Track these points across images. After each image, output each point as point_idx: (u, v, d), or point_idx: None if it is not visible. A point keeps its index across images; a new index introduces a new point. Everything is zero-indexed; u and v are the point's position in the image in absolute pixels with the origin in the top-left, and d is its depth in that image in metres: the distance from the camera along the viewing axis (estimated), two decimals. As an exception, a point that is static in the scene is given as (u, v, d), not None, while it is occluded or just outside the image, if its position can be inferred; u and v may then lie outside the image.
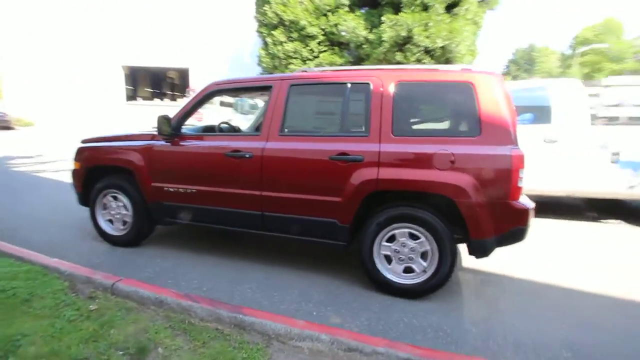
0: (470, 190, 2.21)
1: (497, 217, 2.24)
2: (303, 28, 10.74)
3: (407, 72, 2.48)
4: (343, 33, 10.25)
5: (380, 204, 2.44)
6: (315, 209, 2.53)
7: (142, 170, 2.90)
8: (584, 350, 1.98)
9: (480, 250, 2.30)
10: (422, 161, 2.30)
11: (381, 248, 2.46)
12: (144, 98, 21.49)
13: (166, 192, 2.87)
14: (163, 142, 2.89)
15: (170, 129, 2.78)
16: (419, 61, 9.38)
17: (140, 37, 18.55)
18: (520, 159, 2.19)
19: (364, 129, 2.44)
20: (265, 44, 11.93)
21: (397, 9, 9.67)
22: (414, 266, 2.43)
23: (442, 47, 9.22)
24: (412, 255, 2.41)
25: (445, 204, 2.32)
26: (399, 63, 9.55)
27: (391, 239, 2.45)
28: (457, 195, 2.23)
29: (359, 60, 10.81)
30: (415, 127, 2.45)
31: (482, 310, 2.36)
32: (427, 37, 8.97)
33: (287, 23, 10.89)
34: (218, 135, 2.88)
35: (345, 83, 2.54)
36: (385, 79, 2.46)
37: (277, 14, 10.85)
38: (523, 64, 48.36)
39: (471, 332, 2.13)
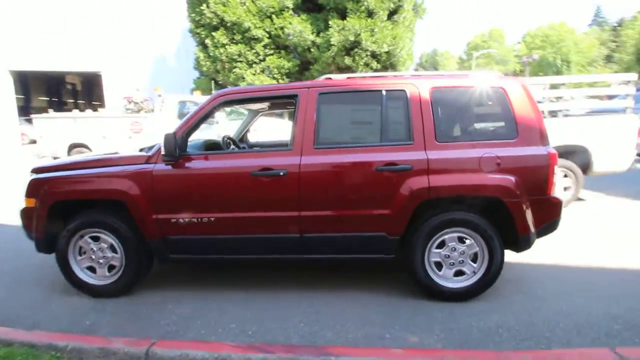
0: (517, 190, 2.31)
1: (539, 211, 2.39)
2: (248, 30, 10.28)
3: (440, 79, 2.49)
4: (290, 37, 10.08)
5: (425, 211, 2.41)
6: (362, 224, 2.39)
7: (139, 201, 2.41)
8: (628, 320, 2.21)
9: (525, 245, 2.43)
10: (470, 166, 2.33)
11: (431, 255, 2.44)
12: (39, 109, 17.68)
13: (174, 224, 2.44)
14: (164, 166, 2.44)
15: (179, 149, 2.37)
16: (367, 65, 9.75)
17: (32, 36, 15.18)
18: (555, 156, 2.37)
19: (407, 137, 2.38)
20: (204, 45, 11.11)
21: (342, 15, 9.86)
22: (464, 269, 2.46)
23: (387, 52, 9.72)
24: (462, 259, 2.44)
25: (489, 205, 2.39)
26: (348, 67, 9.78)
27: (440, 245, 2.44)
28: (506, 195, 2.31)
29: (306, 64, 10.77)
30: (455, 132, 2.47)
31: (529, 302, 2.48)
32: (374, 42, 9.36)
33: (228, 24, 10.29)
34: (236, 152, 2.54)
35: (380, 90, 2.44)
36: (420, 86, 2.43)
37: (216, 15, 10.18)
38: (428, 67, 54.07)
39: (536, 325, 2.23)
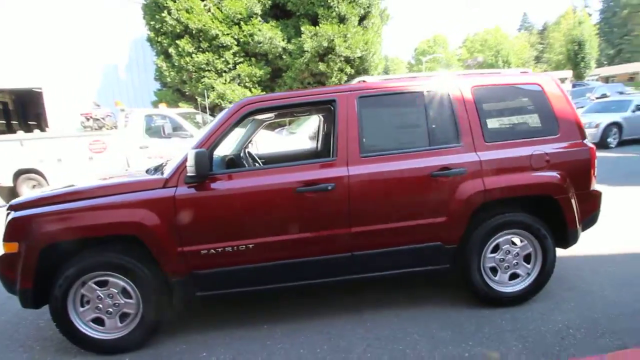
0: (566, 185, 2.28)
1: (583, 205, 2.37)
2: (215, 37, 9.78)
3: (478, 77, 2.41)
4: (260, 44, 9.76)
5: (480, 215, 2.30)
6: (417, 235, 2.23)
7: (159, 233, 2.05)
8: None
9: (573, 240, 2.41)
10: (521, 164, 2.26)
11: (487, 260, 2.33)
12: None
13: (205, 256, 2.11)
14: (188, 189, 2.10)
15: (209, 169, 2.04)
16: (341, 70, 9.72)
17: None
18: (594, 151, 2.39)
19: (455, 139, 2.26)
20: (167, 55, 10.39)
21: (314, 21, 9.76)
22: (518, 271, 2.39)
23: (360, 57, 9.77)
24: (516, 261, 2.36)
25: (539, 203, 2.34)
26: (322, 72, 9.68)
27: (494, 249, 2.34)
28: (556, 192, 2.27)
29: (278, 71, 10.49)
30: (500, 132, 2.40)
31: (580, 298, 2.47)
32: (347, 47, 9.35)
33: (194, 32, 9.72)
34: (271, 168, 2.23)
35: (422, 92, 2.31)
36: (461, 85, 2.33)
37: (180, 22, 9.57)
38: (381, 72, 56.68)
39: (600, 320, 2.20)
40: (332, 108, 2.26)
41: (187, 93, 10.78)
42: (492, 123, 2.38)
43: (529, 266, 2.38)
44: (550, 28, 52.01)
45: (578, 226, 2.38)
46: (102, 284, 2.09)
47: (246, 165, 3.12)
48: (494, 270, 2.36)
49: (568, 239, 2.41)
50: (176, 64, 10.11)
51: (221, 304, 2.66)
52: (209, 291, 2.17)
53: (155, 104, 11.05)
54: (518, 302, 2.39)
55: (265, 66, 10.32)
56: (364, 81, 2.40)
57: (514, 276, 2.39)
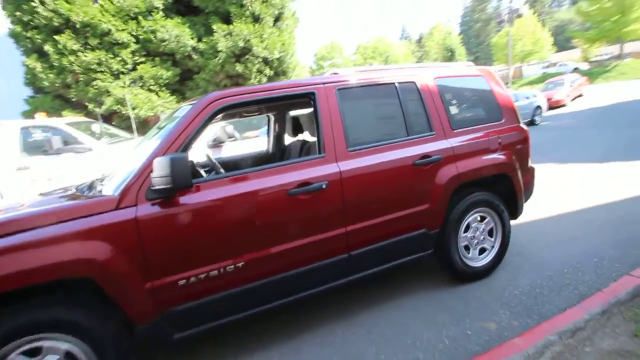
0: (515, 164, 2.60)
1: (526, 180, 2.75)
2: (107, 33, 8.35)
3: (437, 69, 2.57)
4: (165, 42, 8.77)
5: (454, 199, 2.45)
6: (406, 224, 2.25)
7: (119, 269, 1.62)
8: (600, 252, 2.79)
9: (521, 210, 2.76)
10: (483, 148, 2.49)
11: (461, 240, 2.50)
12: None
13: (185, 286, 1.75)
14: (152, 206, 1.72)
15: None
16: (260, 72, 9.41)
17: None
18: (528, 131, 2.78)
19: (428, 129, 2.36)
20: (41, 53, 8.43)
21: (226, 19, 9.22)
22: (485, 245, 2.62)
23: (278, 59, 9.65)
24: (483, 236, 2.59)
25: (496, 182, 2.62)
26: (239, 74, 9.21)
27: (466, 228, 2.53)
28: (510, 170, 2.57)
29: (188, 73, 9.59)
30: (461, 119, 2.58)
31: (533, 260, 2.84)
32: (265, 48, 9.12)
33: (77, 26, 8.11)
34: (258, 170, 1.94)
35: (393, 83, 2.34)
36: (425, 76, 2.45)
37: (58, 13, 7.86)
38: (281, 78, 58.05)
39: (555, 274, 2.57)
40: (312, 101, 2.11)
41: (73, 99, 8.97)
42: (454, 112, 2.57)
43: (492, 240, 2.65)
44: (425, 38, 60.76)
45: (523, 199, 2.75)
46: (34, 353, 1.52)
47: (204, 173, 2.71)
48: (466, 249, 2.55)
49: (517, 211, 2.76)
50: (55, 64, 8.29)
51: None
52: (191, 329, 1.78)
53: (28, 114, 8.87)
54: (487, 274, 2.63)
55: (173, 67, 9.32)
56: (336, 73, 2.31)
57: (482, 251, 2.62)
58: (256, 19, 9.19)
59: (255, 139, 6.45)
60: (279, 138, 3.63)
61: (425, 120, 2.37)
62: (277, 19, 9.84)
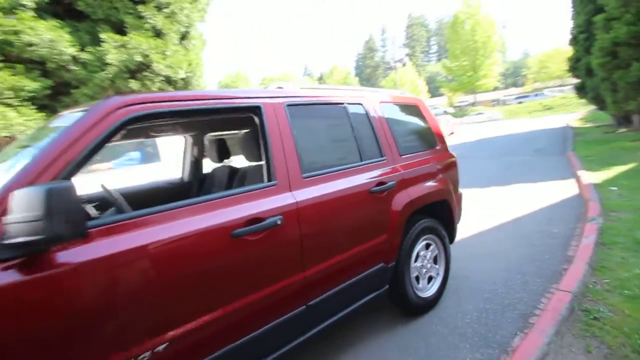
0: (452, 190, 2.67)
1: (457, 204, 2.86)
2: (-61, 26, 6.19)
3: (379, 94, 2.50)
4: (33, 47, 7.03)
5: (405, 228, 2.34)
6: (366, 259, 2.02)
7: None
8: (521, 268, 3.04)
9: (455, 234, 2.83)
10: (429, 175, 2.47)
11: (412, 270, 2.39)
12: None
13: None
14: (6, 272, 1.08)
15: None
16: (162, 91, 8.31)
17: None
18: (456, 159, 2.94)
19: (378, 154, 2.23)
20: None
21: (119, 30, 7.97)
22: (432, 273, 2.56)
23: (184, 79, 8.75)
24: (430, 264, 2.54)
25: (436, 208, 2.63)
26: (134, 91, 7.96)
27: (415, 258, 2.43)
28: (449, 196, 2.62)
29: (65, 87, 7.85)
30: (405, 145, 2.52)
31: (465, 283, 2.92)
32: (168, 66, 8.17)
33: None
34: (183, 206, 1.39)
35: (342, 104, 2.16)
36: (372, 100, 2.36)
37: None
38: None
39: (491, 299, 2.65)
40: (257, 117, 1.72)
41: None
42: (399, 137, 2.51)
43: (437, 267, 2.60)
44: (326, 76, 66.30)
45: (457, 223, 2.83)
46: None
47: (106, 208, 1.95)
48: (417, 279, 2.43)
49: (453, 235, 2.81)
50: None
51: None
52: None
53: None
54: (435, 304, 2.55)
55: (43, 78, 7.50)
56: (281, 87, 1.99)
57: (428, 280, 2.54)
58: (158, 34, 8.26)
59: (107, 172, 5.07)
60: (196, 164, 3.04)
61: (375, 144, 2.22)
62: (183, 37, 9.07)
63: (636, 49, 8.34)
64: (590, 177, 6.27)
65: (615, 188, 5.49)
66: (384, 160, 2.21)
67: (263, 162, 1.69)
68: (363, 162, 2.09)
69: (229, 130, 2.84)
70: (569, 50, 15.95)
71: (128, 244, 1.20)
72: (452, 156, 2.87)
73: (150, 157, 4.83)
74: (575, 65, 14.54)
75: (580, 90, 14.60)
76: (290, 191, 1.67)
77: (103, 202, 2.06)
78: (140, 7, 7.83)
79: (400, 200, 2.17)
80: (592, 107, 22.43)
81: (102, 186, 1.90)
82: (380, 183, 2.07)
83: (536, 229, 4.11)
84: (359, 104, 2.24)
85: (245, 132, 2.04)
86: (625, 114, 12.03)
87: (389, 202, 2.11)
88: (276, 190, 1.62)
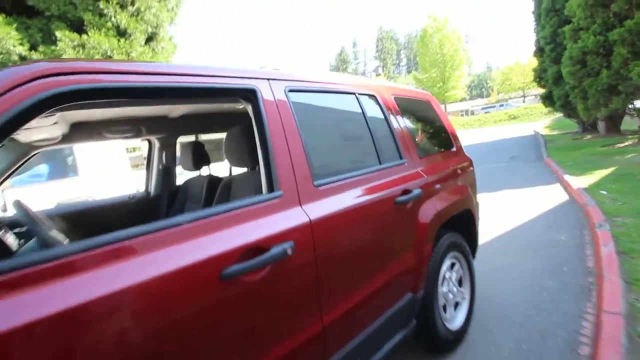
0: (473, 197, 2.30)
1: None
2: None
3: (391, 85, 2.09)
4: (-30, 44, 6.12)
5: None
6: (393, 291, 1.57)
7: None
8: (542, 283, 2.70)
9: (476, 249, 2.45)
10: (452, 180, 2.08)
11: (440, 298, 1.97)
12: None
13: None
14: None
15: None
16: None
17: None
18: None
19: (397, 155, 1.81)
20: None
21: (77, 28, 7.18)
22: (458, 299, 2.16)
23: (151, 82, 8.04)
24: (455, 288, 2.13)
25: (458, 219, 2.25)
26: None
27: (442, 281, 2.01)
28: (471, 204, 2.24)
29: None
30: (422, 145, 2.11)
31: (488, 306, 2.54)
32: (133, 68, 7.46)
33: None
34: (142, 234, 0.87)
35: (354, 93, 1.73)
36: (385, 92, 1.95)
37: None
38: None
39: (524, 325, 2.27)
40: (250, 106, 1.24)
41: None
42: (415, 135, 2.11)
43: (462, 290, 2.20)
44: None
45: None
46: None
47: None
48: (443, 308, 2.01)
49: (475, 250, 2.43)
50: None
51: None
52: None
53: None
54: (464, 336, 2.13)
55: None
56: (277, 69, 1.53)
57: (454, 306, 2.13)
58: (122, 34, 7.54)
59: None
60: (167, 174, 2.49)
61: (393, 144, 1.79)
62: (150, 38, 8.38)
63: (604, 58, 8.69)
64: (575, 181, 6.24)
65: (605, 192, 5.44)
66: (403, 163, 1.79)
67: (260, 167, 1.21)
68: (382, 166, 1.65)
69: (208, 127, 2.34)
70: (531, 63, 16.67)
71: (57, 303, 0.68)
72: (469, 159, 2.52)
73: (62, 171, 3.97)
74: (542, 76, 15.20)
75: (547, 99, 15.22)
76: (301, 205, 1.20)
77: (30, 228, 1.48)
78: (101, 4, 7.12)
79: (428, 211, 1.75)
80: (556, 115, 23.65)
81: (17, 204, 1.32)
82: (406, 191, 1.64)
83: (541, 238, 3.85)
84: (372, 95, 1.82)
85: (233, 129, 1.56)
86: (593, 121, 12.60)
87: (416, 215, 1.69)
88: (282, 204, 1.14)
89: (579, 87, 9.53)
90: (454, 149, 2.39)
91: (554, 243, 3.68)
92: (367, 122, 1.69)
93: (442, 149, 2.28)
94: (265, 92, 1.27)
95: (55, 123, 1.57)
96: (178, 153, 2.48)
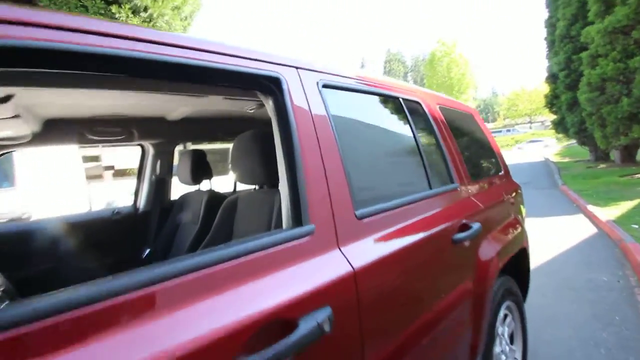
0: (526, 233, 1.91)
1: None
2: None
3: (437, 96, 1.74)
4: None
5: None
6: (448, 346, 1.15)
7: None
8: (596, 336, 2.27)
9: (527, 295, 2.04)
10: (507, 212, 1.69)
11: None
12: None
13: None
14: None
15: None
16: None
17: None
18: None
19: (448, 177, 1.43)
20: None
21: None
22: None
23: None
24: (508, 347, 1.70)
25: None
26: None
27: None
28: (526, 242, 1.84)
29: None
30: (471, 165, 1.74)
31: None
32: None
33: None
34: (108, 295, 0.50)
35: (398, 98, 1.37)
36: (429, 99, 1.60)
37: None
38: None
39: None
40: (271, 100, 0.88)
41: None
42: (464, 153, 1.75)
43: (514, 347, 1.77)
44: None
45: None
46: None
47: None
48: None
49: (526, 294, 2.02)
50: None
51: None
52: None
53: None
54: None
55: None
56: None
57: (507, 366, 1.70)
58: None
59: None
60: (160, 187, 2.13)
61: (443, 163, 1.42)
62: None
63: (624, 85, 8.43)
64: (601, 213, 5.82)
65: (637, 226, 5.02)
66: (456, 188, 1.41)
67: (283, 188, 0.84)
68: (434, 191, 1.28)
69: (212, 135, 1.99)
70: (537, 90, 16.54)
71: None
72: (518, 185, 2.14)
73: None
74: (554, 102, 14.98)
75: (559, 125, 14.95)
76: (339, 246, 0.82)
77: None
78: (113, 8, 6.98)
79: (487, 251, 1.37)
80: (566, 142, 23.37)
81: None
82: (464, 226, 1.27)
83: (580, 277, 3.42)
84: (417, 102, 1.47)
85: (245, 134, 1.20)
86: (606, 150, 12.25)
87: (474, 256, 1.30)
88: (313, 244, 0.76)
89: (596, 114, 9.23)
90: (502, 172, 2.02)
91: (595, 284, 3.25)
92: (414, 134, 1.33)
93: (491, 173, 1.91)
94: (294, 85, 0.92)
95: (16, 116, 1.23)
96: (175, 161, 2.13)
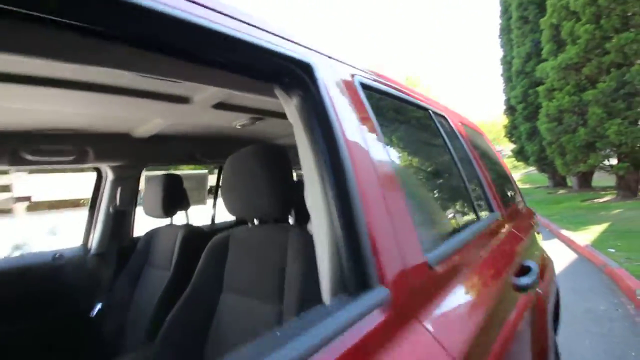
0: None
1: None
2: None
3: (454, 112, 1.55)
4: None
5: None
6: None
7: None
8: None
9: None
10: (537, 243, 1.47)
11: None
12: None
13: None
14: None
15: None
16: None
17: None
18: None
19: (488, 204, 1.20)
20: None
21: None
22: None
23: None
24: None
25: None
26: None
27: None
28: (555, 280, 1.63)
29: None
30: (499, 190, 1.52)
31: None
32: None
33: None
34: None
35: (428, 110, 1.15)
36: (450, 114, 1.40)
37: None
38: None
39: None
40: (302, 95, 0.60)
41: None
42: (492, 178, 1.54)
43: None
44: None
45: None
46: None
47: None
48: None
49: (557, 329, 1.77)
50: None
51: None
52: None
53: None
54: None
55: None
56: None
57: None
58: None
59: None
60: (120, 221, 1.72)
61: (479, 186, 1.19)
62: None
63: (579, 116, 9.10)
64: (577, 237, 5.95)
65: (613, 250, 5.12)
66: (497, 217, 1.17)
67: (319, 225, 0.54)
68: (483, 223, 1.02)
69: (190, 157, 1.64)
70: (495, 122, 17.67)
71: None
72: (534, 212, 1.96)
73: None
74: (512, 132, 16.00)
75: (519, 154, 15.89)
76: (419, 319, 0.52)
77: None
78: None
79: (542, 297, 1.11)
80: (524, 170, 24.89)
81: None
82: (524, 269, 1.00)
83: (578, 307, 3.29)
84: (444, 116, 1.25)
85: (250, 148, 0.88)
86: (563, 176, 13.07)
87: (541, 309, 1.02)
88: (388, 317, 0.45)
89: (556, 142, 9.85)
90: (520, 198, 1.84)
91: (595, 315, 3.12)
92: (451, 153, 1.09)
93: (512, 200, 1.71)
94: (329, 77, 0.65)
95: None
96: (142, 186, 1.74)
